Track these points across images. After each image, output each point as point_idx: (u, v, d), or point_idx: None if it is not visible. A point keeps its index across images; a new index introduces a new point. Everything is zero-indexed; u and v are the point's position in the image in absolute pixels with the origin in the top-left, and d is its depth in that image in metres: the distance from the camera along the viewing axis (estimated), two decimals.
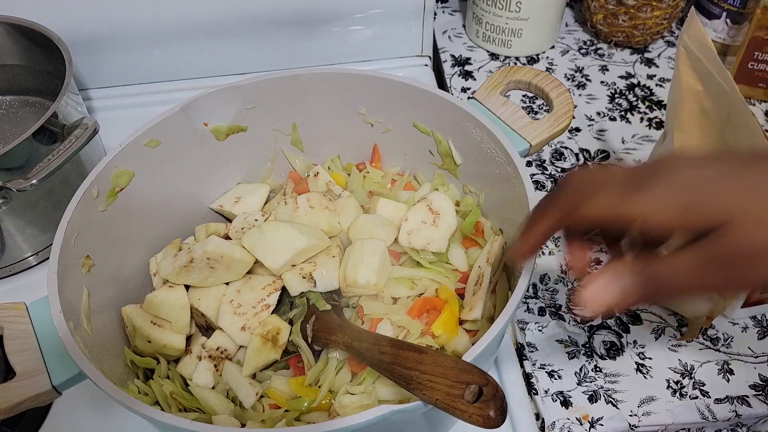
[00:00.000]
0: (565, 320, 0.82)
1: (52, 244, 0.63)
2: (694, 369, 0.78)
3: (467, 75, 1.14)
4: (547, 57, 1.17)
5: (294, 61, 1.10)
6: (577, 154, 1.01)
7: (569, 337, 0.81)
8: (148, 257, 0.77)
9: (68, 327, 0.58)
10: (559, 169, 0.99)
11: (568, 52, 1.18)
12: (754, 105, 1.07)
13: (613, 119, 1.06)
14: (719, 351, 0.80)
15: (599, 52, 1.18)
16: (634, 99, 1.09)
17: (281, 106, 0.80)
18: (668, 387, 0.77)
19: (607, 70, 1.14)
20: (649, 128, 1.04)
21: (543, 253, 0.89)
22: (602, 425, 0.74)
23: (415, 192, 0.81)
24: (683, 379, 0.77)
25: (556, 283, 0.86)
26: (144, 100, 1.09)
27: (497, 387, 0.49)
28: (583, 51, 1.18)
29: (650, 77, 1.13)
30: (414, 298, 0.71)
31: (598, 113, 1.07)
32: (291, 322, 0.69)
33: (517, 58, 1.17)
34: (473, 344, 0.54)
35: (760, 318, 0.82)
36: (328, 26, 1.08)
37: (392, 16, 1.08)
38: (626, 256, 0.45)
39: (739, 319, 0.82)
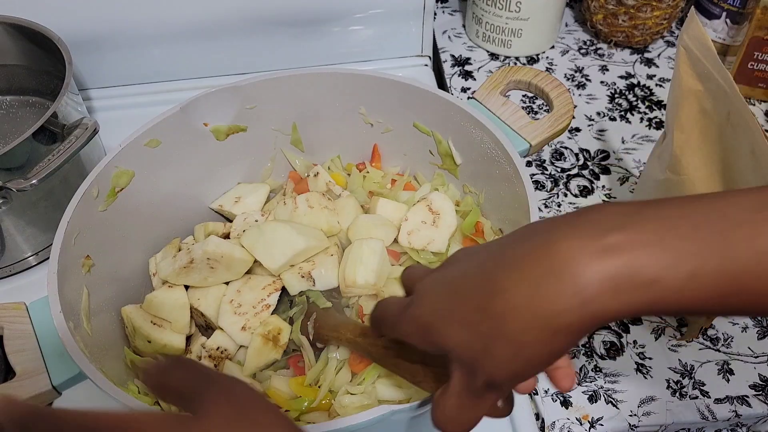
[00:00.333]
0: None
1: (52, 244, 0.63)
2: (694, 369, 0.78)
3: (467, 75, 1.14)
4: (547, 57, 1.17)
5: (294, 61, 1.10)
6: (577, 154, 1.01)
7: None
8: (148, 257, 0.77)
9: (68, 327, 0.58)
10: (559, 169, 0.99)
11: (568, 52, 1.18)
12: (754, 105, 1.07)
13: (613, 119, 1.06)
14: (719, 351, 0.80)
15: (599, 52, 1.18)
16: (634, 99, 1.09)
17: (281, 106, 0.80)
18: (668, 387, 0.77)
19: (607, 70, 1.14)
20: (649, 128, 1.05)
21: None
22: (602, 425, 0.74)
23: (415, 192, 0.81)
24: (683, 379, 0.77)
25: None
26: (144, 100, 1.09)
27: None
28: (583, 51, 1.18)
29: (650, 77, 1.13)
30: None
31: (598, 113, 1.07)
32: (291, 321, 0.69)
33: (517, 58, 1.17)
34: None
35: (760, 318, 0.82)
36: (328, 26, 1.08)
37: (392, 16, 1.08)
38: None
39: (739, 319, 0.82)
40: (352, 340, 0.62)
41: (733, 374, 0.78)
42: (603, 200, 0.95)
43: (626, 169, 0.98)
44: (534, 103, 1.08)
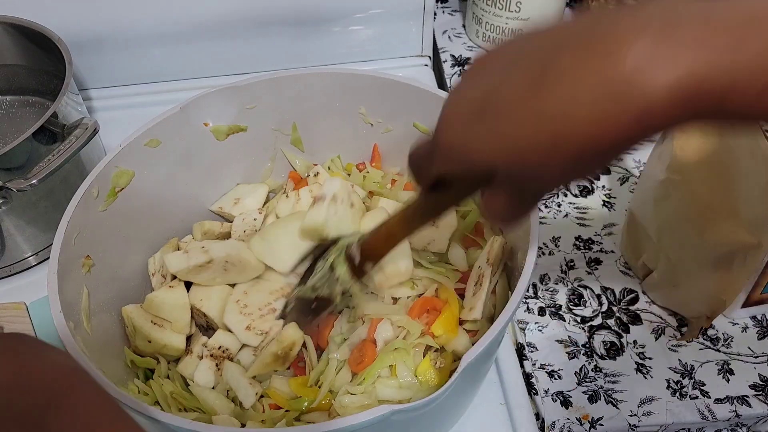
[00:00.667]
0: (565, 320, 0.82)
1: (52, 244, 0.63)
2: (694, 369, 0.78)
3: None
4: None
5: (294, 61, 1.10)
6: None
7: (569, 337, 0.81)
8: (148, 257, 0.77)
9: (68, 327, 0.58)
10: None
11: None
12: None
13: None
14: (719, 351, 0.80)
15: None
16: None
17: (281, 106, 0.80)
18: (668, 387, 0.77)
19: None
20: None
21: (543, 253, 0.89)
22: (602, 425, 0.74)
23: (414, 192, 0.81)
24: (683, 379, 0.77)
25: (556, 283, 0.86)
26: (144, 100, 1.09)
27: None
28: None
29: None
30: (414, 298, 0.71)
31: None
32: (332, 268, 0.63)
33: None
34: (473, 344, 0.54)
35: (760, 318, 0.82)
36: (328, 26, 1.08)
37: (392, 16, 1.08)
38: None
39: (739, 319, 0.82)
40: (400, 218, 0.56)
41: (733, 374, 0.78)
42: (603, 200, 0.95)
43: (626, 169, 0.98)
44: None
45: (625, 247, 0.87)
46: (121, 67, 1.10)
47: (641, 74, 0.33)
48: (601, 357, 0.79)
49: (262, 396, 0.67)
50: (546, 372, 0.78)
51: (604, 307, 0.84)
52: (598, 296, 0.85)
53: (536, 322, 0.82)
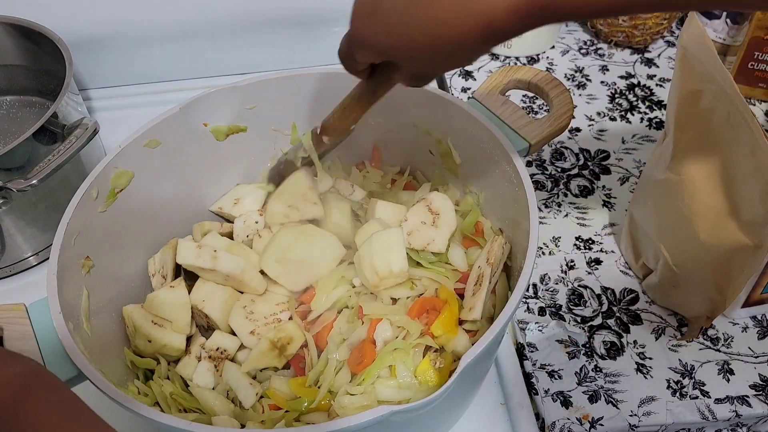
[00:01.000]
0: (565, 320, 0.82)
1: (51, 245, 0.63)
2: (694, 369, 0.78)
3: (467, 75, 1.14)
4: (548, 57, 1.17)
5: (294, 61, 1.10)
6: (577, 154, 1.01)
7: (569, 337, 0.81)
8: (148, 258, 0.77)
9: (68, 328, 0.58)
10: (559, 169, 0.99)
11: (568, 52, 1.18)
12: (754, 105, 1.07)
13: (613, 119, 1.06)
14: (719, 351, 0.80)
15: (599, 52, 1.18)
16: (634, 99, 1.09)
17: (281, 106, 0.80)
18: (668, 387, 0.77)
19: (608, 70, 1.14)
20: (649, 128, 1.04)
21: (543, 252, 0.89)
22: (602, 425, 0.74)
23: (414, 192, 0.81)
24: (683, 379, 0.77)
25: (556, 283, 0.86)
26: (144, 100, 1.09)
27: None
28: (583, 51, 1.18)
29: (650, 77, 1.13)
30: (414, 298, 0.71)
31: (598, 113, 1.07)
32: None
33: (517, 58, 1.17)
34: (473, 344, 0.54)
35: (760, 318, 0.82)
36: (328, 26, 1.08)
37: None
38: None
39: (739, 319, 0.82)
40: (350, 99, 0.67)
41: (733, 374, 0.78)
42: (603, 200, 0.95)
43: (626, 169, 0.98)
44: (534, 102, 1.08)
45: (625, 247, 0.87)
46: (121, 67, 1.10)
47: None
48: (602, 357, 0.79)
49: (262, 396, 0.67)
50: (546, 372, 0.78)
51: (604, 307, 0.84)
52: (598, 296, 0.85)
53: (536, 322, 0.82)
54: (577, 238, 0.91)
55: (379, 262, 0.69)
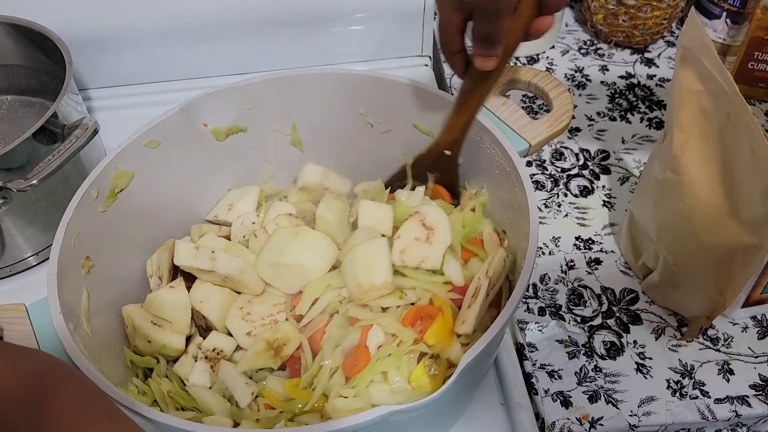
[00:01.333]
0: (565, 320, 0.82)
1: (51, 245, 0.63)
2: (694, 369, 0.78)
3: None
4: (547, 57, 1.17)
5: (294, 61, 1.10)
6: (577, 154, 1.01)
7: (569, 337, 0.81)
8: (148, 258, 0.77)
9: (68, 328, 0.58)
10: (559, 169, 0.99)
11: (568, 52, 1.18)
12: (754, 105, 1.07)
13: (613, 119, 1.06)
14: (719, 351, 0.80)
15: (599, 52, 1.18)
16: (634, 99, 1.09)
17: (281, 106, 0.80)
18: (668, 387, 0.77)
19: (607, 70, 1.14)
20: (649, 128, 1.04)
21: (543, 252, 0.89)
22: (602, 425, 0.74)
23: (396, 202, 0.79)
24: (683, 379, 0.77)
25: (556, 283, 0.86)
26: (144, 100, 1.09)
27: None
28: (583, 51, 1.18)
29: (650, 77, 1.13)
30: (407, 306, 0.69)
31: (598, 113, 1.07)
32: None
33: (517, 58, 1.17)
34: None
35: (760, 318, 0.82)
36: (328, 26, 1.08)
37: (392, 16, 1.08)
38: None
39: (739, 319, 0.82)
40: (456, 107, 0.71)
41: (733, 374, 0.78)
42: (603, 200, 0.95)
43: (626, 169, 0.98)
44: (534, 103, 1.08)
45: (625, 247, 0.87)
46: (121, 67, 1.10)
47: None
48: (601, 357, 0.79)
49: (257, 396, 0.67)
50: (546, 372, 0.78)
51: (604, 307, 0.84)
52: (598, 296, 0.85)
53: (536, 322, 0.82)
54: (577, 238, 0.91)
55: (362, 275, 0.67)
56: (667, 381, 0.77)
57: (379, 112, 0.80)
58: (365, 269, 0.68)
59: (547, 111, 0.75)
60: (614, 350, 0.80)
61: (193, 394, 0.67)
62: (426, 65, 1.15)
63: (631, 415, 0.75)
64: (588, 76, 1.13)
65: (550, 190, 0.96)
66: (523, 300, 0.84)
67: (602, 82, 1.12)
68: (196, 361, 0.70)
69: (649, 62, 1.15)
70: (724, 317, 0.82)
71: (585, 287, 0.86)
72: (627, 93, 1.10)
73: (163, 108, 0.74)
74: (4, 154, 0.75)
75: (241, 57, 1.10)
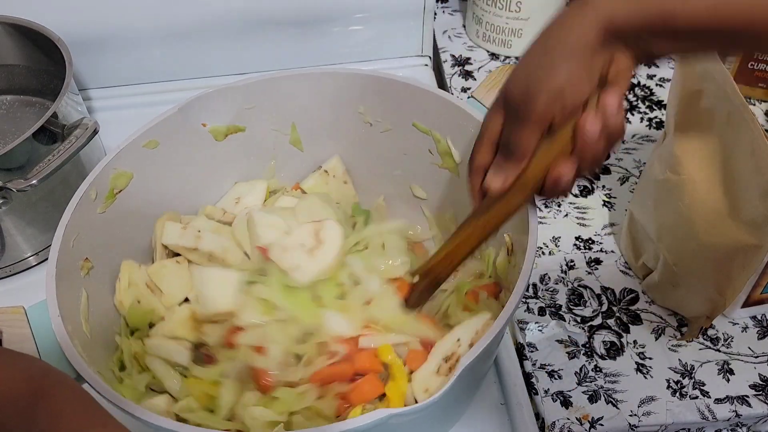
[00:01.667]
0: (565, 320, 0.82)
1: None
2: (694, 369, 0.78)
3: (467, 75, 1.14)
4: None
5: (294, 61, 1.10)
6: None
7: (569, 337, 0.81)
8: (147, 259, 0.77)
9: (66, 330, 0.58)
10: None
11: None
12: (754, 105, 1.07)
13: None
14: (719, 351, 0.80)
15: None
16: (634, 99, 1.09)
17: (280, 106, 0.80)
18: (668, 387, 0.77)
19: None
20: (649, 128, 1.04)
21: (543, 252, 0.89)
22: (602, 425, 0.74)
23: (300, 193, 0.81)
24: (683, 379, 0.77)
25: (556, 283, 0.86)
26: (144, 100, 1.09)
27: None
28: None
29: (650, 77, 1.12)
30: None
31: None
32: None
33: (517, 58, 1.17)
34: (472, 347, 0.54)
35: (760, 318, 0.82)
36: (328, 26, 1.08)
37: (392, 16, 1.08)
38: None
39: (739, 319, 0.82)
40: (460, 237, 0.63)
41: (733, 374, 0.78)
42: (603, 200, 0.95)
43: (626, 169, 0.98)
44: None
45: (625, 247, 0.87)
46: (121, 67, 1.10)
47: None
48: (601, 357, 0.79)
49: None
50: (546, 372, 0.78)
51: (604, 307, 0.84)
52: (598, 296, 0.85)
53: (536, 322, 0.82)
54: (577, 238, 0.91)
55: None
56: (667, 381, 0.77)
57: (378, 111, 0.80)
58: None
59: None
60: (614, 350, 0.80)
61: (148, 364, 0.69)
62: (426, 65, 1.15)
63: (631, 415, 0.75)
64: None
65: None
66: (523, 300, 0.84)
67: None
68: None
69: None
70: (724, 317, 0.82)
71: (585, 287, 0.86)
72: (627, 93, 1.10)
73: (163, 108, 0.74)
74: (4, 154, 0.75)
75: (241, 57, 1.10)
